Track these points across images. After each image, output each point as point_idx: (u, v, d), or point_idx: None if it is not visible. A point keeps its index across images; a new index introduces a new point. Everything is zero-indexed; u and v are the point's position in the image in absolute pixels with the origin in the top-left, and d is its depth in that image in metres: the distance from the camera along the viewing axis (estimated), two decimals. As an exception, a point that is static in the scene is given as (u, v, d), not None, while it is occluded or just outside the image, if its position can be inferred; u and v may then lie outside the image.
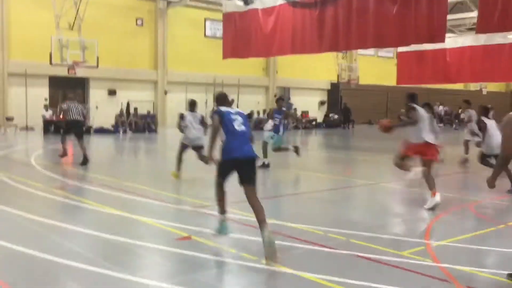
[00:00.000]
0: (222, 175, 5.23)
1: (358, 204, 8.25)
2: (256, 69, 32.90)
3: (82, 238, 5.58)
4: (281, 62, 32.74)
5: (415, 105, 7.51)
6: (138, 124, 24.49)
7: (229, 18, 21.69)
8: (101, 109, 24.95)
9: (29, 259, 4.76)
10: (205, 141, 8.65)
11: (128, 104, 25.34)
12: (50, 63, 19.94)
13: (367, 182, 9.96)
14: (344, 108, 33.15)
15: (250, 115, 29.13)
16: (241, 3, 20.40)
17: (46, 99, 24.05)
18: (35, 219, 6.25)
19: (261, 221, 4.84)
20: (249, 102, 30.89)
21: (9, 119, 22.58)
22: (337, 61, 32.11)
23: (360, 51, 32.26)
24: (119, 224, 6.26)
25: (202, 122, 9.91)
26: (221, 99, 5.69)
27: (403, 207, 8.00)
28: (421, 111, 7.54)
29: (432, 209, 7.10)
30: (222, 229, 5.34)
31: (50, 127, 21.87)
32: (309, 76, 34.53)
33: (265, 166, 11.20)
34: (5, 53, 23.27)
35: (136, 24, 27.67)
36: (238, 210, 6.75)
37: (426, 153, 7.37)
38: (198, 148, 9.85)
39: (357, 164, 13.77)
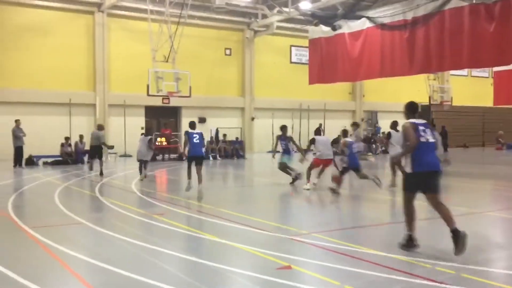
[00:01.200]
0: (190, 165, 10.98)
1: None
2: (342, 94, 32.62)
3: (182, 263, 5.73)
4: (367, 85, 32.19)
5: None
6: (227, 150, 25.10)
7: (315, 44, 21.83)
8: (192, 137, 25.93)
9: (131, 282, 4.96)
10: (148, 157, 14.89)
11: (217, 131, 26.15)
12: (147, 94, 21.14)
13: (470, 211, 9.33)
14: (442, 131, 31.73)
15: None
16: (327, 29, 20.45)
17: (142, 128, 25.48)
18: (136, 243, 6.53)
19: None
20: (335, 126, 30.54)
21: (110, 147, 24.09)
22: (428, 82, 30.91)
23: (453, 71, 30.91)
24: (217, 250, 6.36)
25: (149, 143, 14.68)
26: (191, 125, 11.17)
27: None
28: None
29: None
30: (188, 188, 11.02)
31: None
32: (397, 99, 33.46)
33: (297, 178, 12.61)
34: (106, 86, 25.13)
35: (225, 53, 28.72)
36: (334, 238, 6.62)
37: None
38: (143, 162, 14.61)
39: (455, 191, 12.99)
